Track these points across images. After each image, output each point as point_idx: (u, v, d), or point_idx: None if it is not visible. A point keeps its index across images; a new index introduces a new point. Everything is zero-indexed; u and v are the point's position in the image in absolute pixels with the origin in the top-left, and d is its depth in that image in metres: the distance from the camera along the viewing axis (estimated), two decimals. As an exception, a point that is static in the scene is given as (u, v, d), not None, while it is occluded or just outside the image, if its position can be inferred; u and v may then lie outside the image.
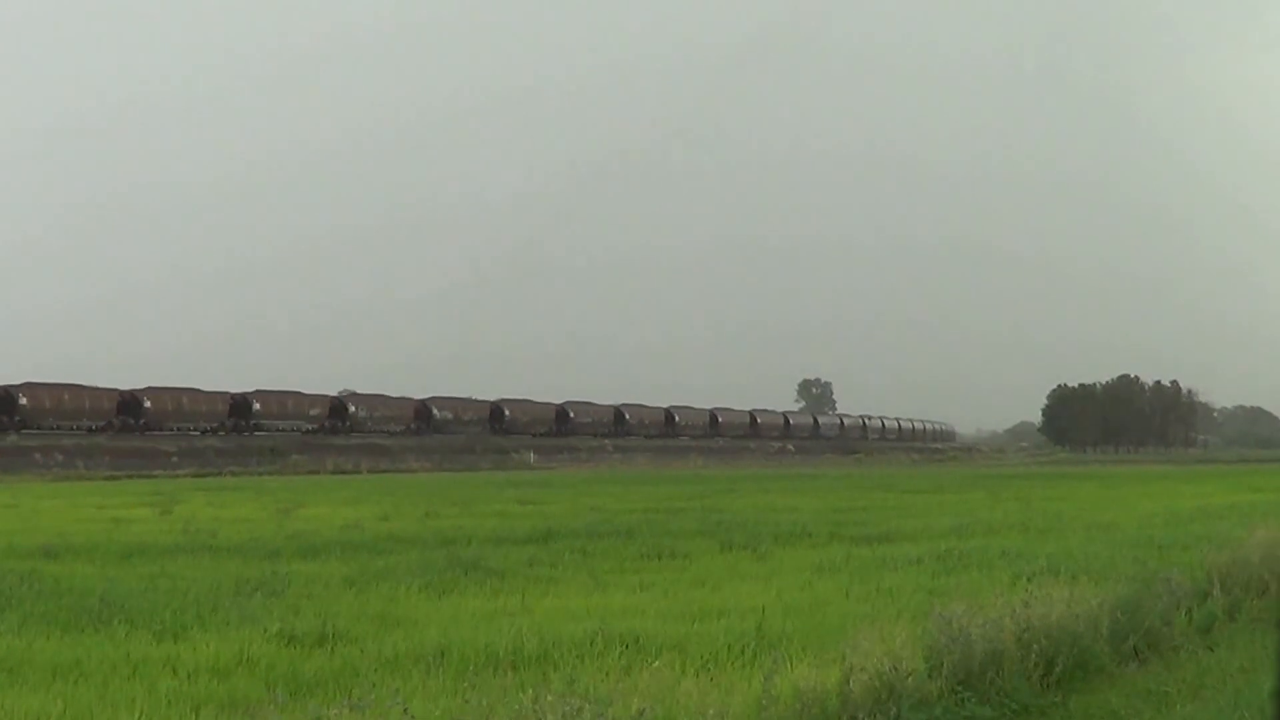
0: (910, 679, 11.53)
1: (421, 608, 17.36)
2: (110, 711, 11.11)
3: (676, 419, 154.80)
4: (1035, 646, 13.14)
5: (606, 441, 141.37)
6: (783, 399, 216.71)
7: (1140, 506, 41.42)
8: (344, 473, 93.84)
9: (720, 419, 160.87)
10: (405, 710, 9.32)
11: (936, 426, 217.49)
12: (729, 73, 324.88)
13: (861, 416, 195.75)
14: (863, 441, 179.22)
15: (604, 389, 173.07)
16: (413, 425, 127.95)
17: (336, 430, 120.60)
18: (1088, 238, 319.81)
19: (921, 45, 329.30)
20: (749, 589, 18.92)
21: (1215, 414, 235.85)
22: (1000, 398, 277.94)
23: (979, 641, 12.56)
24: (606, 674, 11.90)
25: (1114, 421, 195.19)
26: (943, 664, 12.18)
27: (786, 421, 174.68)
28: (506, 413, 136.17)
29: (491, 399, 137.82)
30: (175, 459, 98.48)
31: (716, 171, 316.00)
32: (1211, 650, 15.92)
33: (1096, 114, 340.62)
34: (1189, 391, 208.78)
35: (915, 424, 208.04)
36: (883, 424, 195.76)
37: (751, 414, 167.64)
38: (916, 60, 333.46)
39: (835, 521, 33.05)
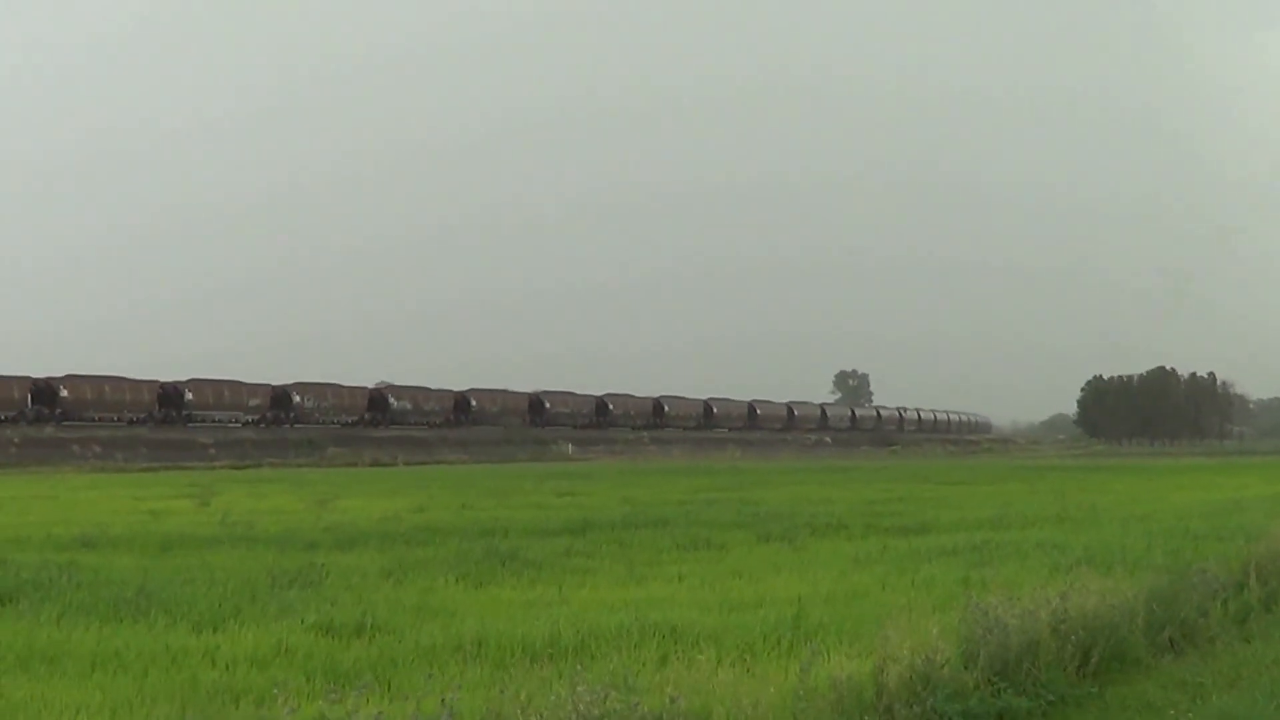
0: (946, 669, 11.52)
1: (459, 598, 17.41)
2: (149, 702, 11.11)
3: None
4: (1072, 637, 13.12)
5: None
6: (819, 391, 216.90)
7: (1176, 498, 41.23)
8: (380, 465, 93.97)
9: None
10: (443, 700, 9.32)
11: (972, 418, 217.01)
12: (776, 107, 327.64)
13: (875, 408, 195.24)
14: (898, 433, 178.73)
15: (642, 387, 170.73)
16: (366, 416, 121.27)
17: (280, 421, 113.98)
18: (1123, 247, 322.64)
19: (959, 83, 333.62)
20: (785, 580, 18.92)
21: (1251, 405, 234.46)
22: (1036, 390, 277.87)
23: (1015, 632, 12.54)
24: (643, 665, 11.94)
25: (1149, 414, 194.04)
26: (979, 654, 12.16)
27: (791, 412, 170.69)
28: (473, 402, 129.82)
29: (459, 389, 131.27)
30: (212, 451, 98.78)
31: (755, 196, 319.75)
32: (1248, 641, 15.83)
33: (1125, 129, 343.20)
34: (1224, 383, 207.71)
35: (951, 416, 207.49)
36: (904, 415, 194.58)
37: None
38: (953, 97, 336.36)
39: (871, 513, 33.00)
